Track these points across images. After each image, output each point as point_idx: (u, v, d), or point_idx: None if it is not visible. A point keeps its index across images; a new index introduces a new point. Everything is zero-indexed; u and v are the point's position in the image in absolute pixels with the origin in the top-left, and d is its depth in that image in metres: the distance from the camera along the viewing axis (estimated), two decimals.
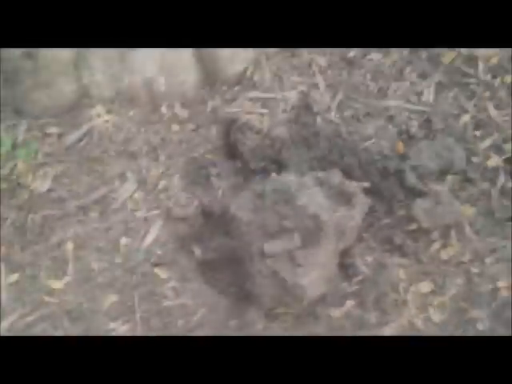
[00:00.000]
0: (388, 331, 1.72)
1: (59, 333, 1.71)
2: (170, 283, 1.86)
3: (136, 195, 2.04)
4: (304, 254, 1.74)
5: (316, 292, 1.75)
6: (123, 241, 1.93)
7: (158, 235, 1.97)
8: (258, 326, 1.77)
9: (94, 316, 1.76)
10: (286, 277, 1.71)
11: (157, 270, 1.88)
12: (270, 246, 1.78)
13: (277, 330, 1.78)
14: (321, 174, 1.94)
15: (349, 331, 1.75)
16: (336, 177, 1.94)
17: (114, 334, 1.74)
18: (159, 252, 1.94)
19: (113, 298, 1.80)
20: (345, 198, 1.88)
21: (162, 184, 2.06)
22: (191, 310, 1.83)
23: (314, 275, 1.72)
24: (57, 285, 1.83)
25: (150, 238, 1.95)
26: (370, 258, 1.91)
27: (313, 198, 1.83)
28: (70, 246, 1.90)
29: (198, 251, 2.02)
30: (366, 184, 2.00)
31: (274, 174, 1.92)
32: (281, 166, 2.04)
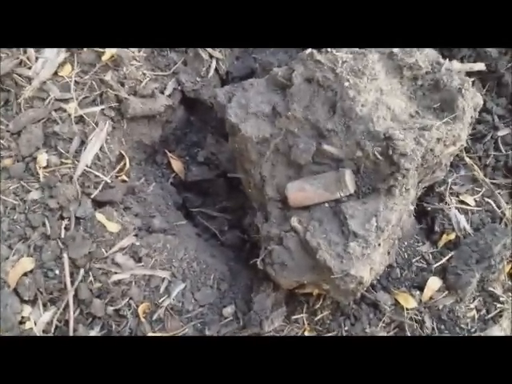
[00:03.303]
0: (498, 331, 1.06)
1: None
2: (125, 240, 1.14)
3: (64, 72, 1.22)
4: (363, 211, 0.99)
5: (378, 271, 1.04)
6: (42, 157, 1.16)
7: (102, 148, 1.20)
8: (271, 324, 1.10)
9: None
10: (326, 259, 0.97)
11: (101, 216, 1.13)
12: (297, 189, 1.03)
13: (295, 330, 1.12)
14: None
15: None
16: (423, 48, 1.10)
17: (28, 324, 1.08)
18: (106, 179, 1.18)
19: (27, 262, 1.09)
20: (441, 96, 1.07)
21: (109, 53, 1.22)
22: (161, 287, 1.13)
23: (379, 252, 0.98)
24: None
25: (89, 154, 1.18)
26: (471, 201, 1.15)
27: (383, 99, 1.02)
28: None
29: (177, 177, 1.28)
30: (481, 65, 1.16)
31: (310, 50, 1.07)
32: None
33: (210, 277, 1.18)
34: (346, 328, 1.13)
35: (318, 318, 1.14)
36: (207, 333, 1.11)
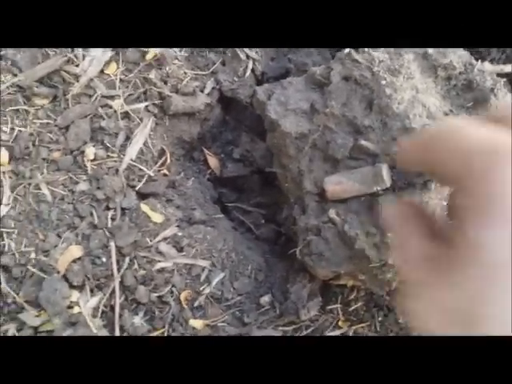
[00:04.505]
0: None
1: None
2: (168, 230, 1.19)
3: (110, 70, 1.28)
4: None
5: None
6: (90, 151, 1.22)
7: (146, 143, 1.25)
8: (307, 313, 1.14)
9: (46, 278, 1.13)
10: (365, 248, 1.02)
11: (145, 207, 1.19)
12: (335, 183, 1.08)
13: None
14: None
15: None
16: (456, 50, 1.15)
17: (76, 309, 1.13)
18: (149, 172, 1.24)
19: (75, 250, 1.15)
20: (474, 95, 1.12)
21: (152, 52, 1.28)
22: (202, 276, 1.19)
23: None
24: None
25: (134, 148, 1.24)
26: None
27: (418, 97, 1.07)
28: (3, 155, 1.20)
29: (213, 173, 1.34)
30: (510, 67, 1.21)
31: (348, 49, 1.12)
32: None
33: (248, 267, 1.23)
34: (380, 319, 1.17)
35: (352, 308, 1.19)
36: (246, 320, 1.16)
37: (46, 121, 1.24)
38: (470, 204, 0.59)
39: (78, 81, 1.26)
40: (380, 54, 1.13)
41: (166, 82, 1.29)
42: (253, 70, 1.40)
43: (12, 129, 1.22)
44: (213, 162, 1.43)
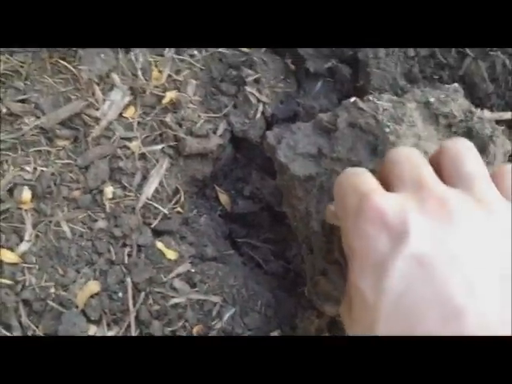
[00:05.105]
0: None
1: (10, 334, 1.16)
2: (182, 266, 1.25)
3: (128, 113, 1.35)
4: None
5: None
6: (108, 190, 1.28)
7: (162, 182, 1.32)
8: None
9: (65, 312, 1.18)
10: None
11: (160, 244, 1.25)
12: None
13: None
14: (431, 95, 1.21)
15: None
16: (456, 98, 1.21)
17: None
18: (164, 210, 1.30)
19: (93, 285, 1.20)
20: (474, 142, 1.16)
21: (168, 97, 1.35)
22: (213, 311, 1.24)
23: None
24: (8, 256, 1.21)
25: (150, 188, 1.30)
26: None
27: (420, 144, 1.13)
28: (26, 194, 1.26)
29: (224, 209, 1.40)
30: (509, 114, 1.27)
31: (354, 98, 1.18)
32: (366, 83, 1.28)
33: (257, 303, 1.28)
34: None
35: None
36: None
37: (67, 161, 1.31)
38: (346, 252, 0.72)
39: (98, 124, 1.33)
40: (384, 102, 1.20)
41: (180, 125, 1.35)
42: (263, 113, 1.47)
43: (35, 168, 1.28)
44: (224, 198, 1.48)
